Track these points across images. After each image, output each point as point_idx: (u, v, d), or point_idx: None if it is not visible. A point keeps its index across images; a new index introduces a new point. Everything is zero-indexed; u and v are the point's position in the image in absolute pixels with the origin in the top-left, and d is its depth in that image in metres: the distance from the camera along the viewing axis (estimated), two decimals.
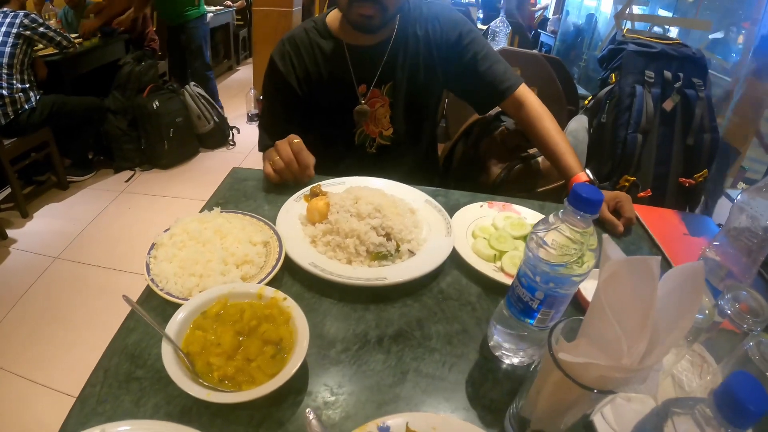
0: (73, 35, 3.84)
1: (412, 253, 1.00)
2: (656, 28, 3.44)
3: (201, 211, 1.08)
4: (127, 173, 3.90)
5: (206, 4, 4.65)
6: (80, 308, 2.54)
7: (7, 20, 3.09)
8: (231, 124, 4.56)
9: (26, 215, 3.28)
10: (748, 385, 0.43)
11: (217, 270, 0.89)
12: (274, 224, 1.04)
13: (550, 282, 0.67)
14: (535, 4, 6.01)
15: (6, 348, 2.28)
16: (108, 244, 3.07)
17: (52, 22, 3.99)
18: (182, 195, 3.67)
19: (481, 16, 5.60)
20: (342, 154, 1.51)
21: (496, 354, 0.81)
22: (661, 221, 1.27)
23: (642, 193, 1.87)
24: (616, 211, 1.21)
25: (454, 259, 1.01)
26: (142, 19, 4.55)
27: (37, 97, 3.25)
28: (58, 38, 3.41)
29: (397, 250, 0.99)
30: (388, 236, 0.99)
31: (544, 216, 1.12)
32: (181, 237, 0.96)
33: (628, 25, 3.33)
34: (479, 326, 0.87)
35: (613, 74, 1.99)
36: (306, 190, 1.17)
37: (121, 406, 0.69)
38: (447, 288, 0.96)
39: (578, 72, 4.66)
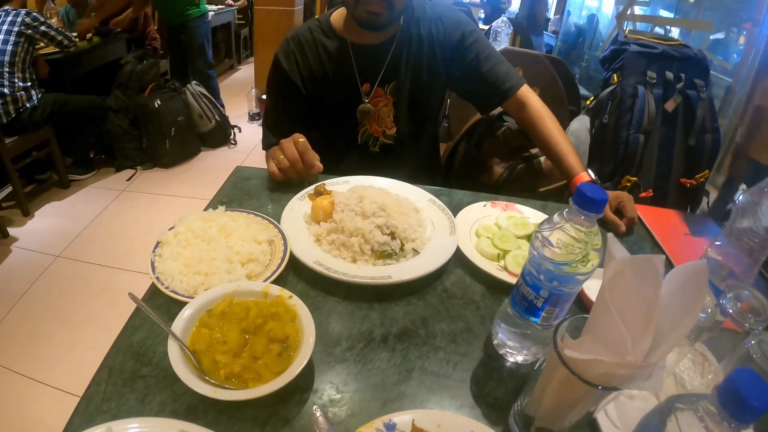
0: (73, 34, 3.84)
1: (416, 252, 1.01)
2: (658, 29, 3.45)
3: (205, 210, 1.08)
4: (129, 172, 3.90)
5: (207, 2, 4.66)
6: (81, 307, 2.55)
7: (9, 18, 3.09)
8: (232, 123, 4.56)
9: (27, 214, 3.28)
10: (751, 381, 0.43)
11: (223, 268, 0.89)
12: (279, 223, 1.05)
13: (554, 280, 0.67)
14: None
15: (7, 346, 2.28)
16: (109, 243, 3.08)
17: (54, 21, 3.99)
18: (183, 194, 3.67)
19: (482, 15, 5.60)
20: (345, 152, 1.51)
21: (501, 352, 0.81)
22: (662, 221, 1.28)
23: (644, 194, 1.88)
24: (619, 211, 1.21)
25: (458, 258, 1.02)
26: (143, 18, 4.55)
27: (39, 96, 3.25)
28: (59, 37, 3.41)
29: (402, 249, 1.00)
30: (392, 235, 1.00)
31: (546, 215, 1.13)
32: (185, 235, 0.96)
33: (630, 25, 3.33)
34: (483, 325, 0.88)
35: (615, 75, 2.00)
36: (310, 188, 1.18)
37: (126, 404, 0.69)
38: (451, 287, 0.97)
39: (579, 72, 4.67)
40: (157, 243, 0.96)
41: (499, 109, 1.58)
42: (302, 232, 1.04)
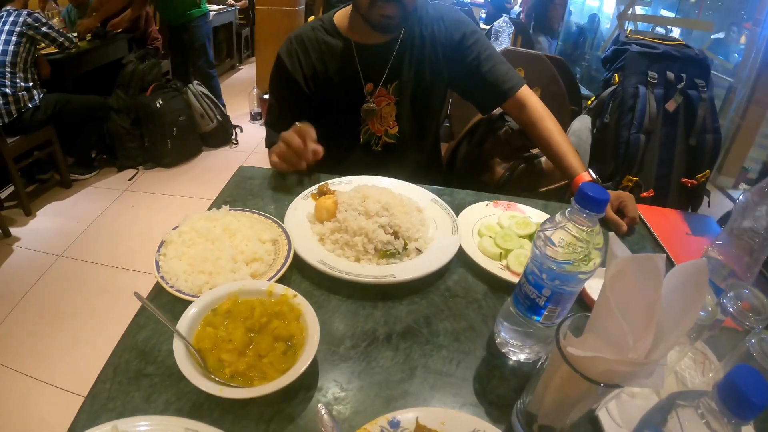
0: (74, 34, 3.84)
1: (419, 251, 1.02)
2: (659, 29, 3.45)
3: (209, 209, 1.08)
4: (130, 172, 3.90)
5: (208, 2, 4.66)
6: (83, 306, 2.55)
7: (11, 19, 3.09)
8: (234, 123, 4.56)
9: (29, 213, 3.28)
10: (751, 378, 0.44)
11: (227, 267, 0.90)
12: (282, 222, 1.05)
13: (557, 279, 0.68)
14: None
15: (9, 346, 2.28)
16: (111, 243, 3.08)
17: (55, 21, 4.00)
18: (185, 193, 3.67)
19: (483, 15, 5.60)
20: (347, 151, 1.52)
21: (503, 350, 0.82)
22: (663, 221, 1.28)
23: (645, 193, 1.88)
24: (620, 211, 1.22)
25: (461, 257, 1.02)
26: (144, 18, 4.56)
27: (41, 96, 3.25)
28: (60, 39, 3.42)
29: (405, 248, 1.01)
30: (395, 234, 1.01)
31: (548, 215, 1.14)
32: (190, 235, 0.97)
33: (631, 25, 3.33)
34: (486, 323, 0.88)
35: (616, 75, 2.00)
36: (314, 188, 1.18)
37: (131, 402, 0.70)
38: (454, 286, 0.97)
39: (581, 72, 4.67)
40: (162, 242, 0.97)
41: (500, 109, 1.58)
42: (306, 232, 1.05)
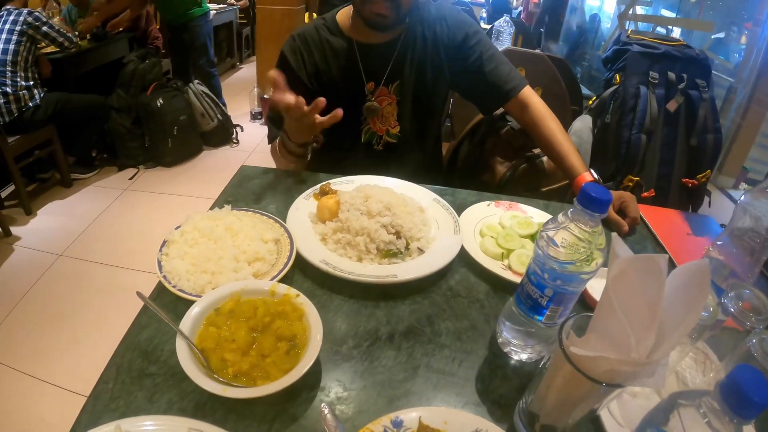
0: (75, 33, 3.85)
1: (421, 251, 1.02)
2: (659, 29, 3.45)
3: (211, 209, 1.09)
4: (131, 171, 3.90)
5: (209, 1, 4.66)
6: (84, 305, 2.55)
7: (11, 18, 3.09)
8: (234, 122, 4.56)
9: (30, 212, 3.28)
10: (753, 377, 0.44)
11: (230, 267, 0.90)
12: (284, 222, 1.05)
13: (559, 279, 0.68)
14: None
15: (9, 345, 2.29)
16: (112, 242, 3.08)
17: (56, 20, 3.99)
18: (186, 193, 3.67)
19: (484, 15, 5.60)
20: (348, 150, 1.52)
21: (505, 350, 0.82)
22: (664, 221, 1.28)
23: (645, 193, 1.89)
24: (621, 211, 1.22)
25: (463, 257, 1.02)
26: (145, 18, 4.56)
27: (41, 95, 3.25)
28: (60, 38, 3.42)
29: (407, 248, 1.01)
30: (398, 234, 1.01)
31: (550, 215, 1.14)
32: (192, 234, 0.97)
33: (632, 25, 3.33)
34: (488, 323, 0.89)
35: (617, 75, 2.00)
36: (316, 188, 1.18)
37: (134, 402, 0.70)
38: (456, 285, 0.98)
39: (581, 72, 4.67)
40: (164, 242, 0.97)
41: (501, 109, 1.58)
42: (308, 232, 1.05)
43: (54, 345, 2.29)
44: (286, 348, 0.74)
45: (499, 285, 0.97)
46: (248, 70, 6.94)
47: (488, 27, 3.79)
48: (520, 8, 5.89)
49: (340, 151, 1.51)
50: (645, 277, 0.54)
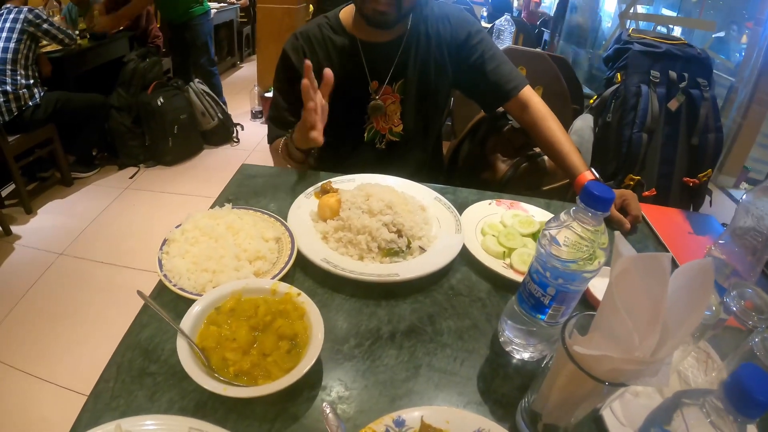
0: (76, 32, 3.85)
1: (423, 249, 1.02)
2: (660, 28, 3.45)
3: (212, 208, 1.08)
4: (131, 170, 3.90)
5: (209, 0, 4.65)
6: (84, 304, 2.55)
7: (11, 16, 3.09)
8: (235, 121, 4.56)
9: (30, 212, 3.28)
10: (757, 376, 0.44)
11: (230, 266, 0.90)
12: (285, 220, 1.05)
13: (561, 278, 0.68)
14: None
15: (10, 344, 2.28)
16: (112, 241, 3.08)
17: (56, 19, 3.99)
18: (186, 192, 3.67)
19: (485, 14, 5.59)
20: (351, 149, 1.52)
21: (507, 349, 0.82)
22: (666, 220, 1.28)
23: (647, 192, 1.88)
24: (623, 210, 1.22)
25: (464, 256, 1.02)
26: (145, 16, 4.55)
27: (42, 94, 3.25)
28: (61, 35, 3.41)
29: (408, 246, 1.01)
30: (399, 233, 1.01)
31: (551, 214, 1.14)
32: (193, 233, 0.97)
33: (633, 24, 3.33)
34: (489, 322, 0.89)
35: (618, 74, 2.00)
36: (317, 186, 1.18)
37: (134, 401, 0.70)
38: (457, 284, 0.97)
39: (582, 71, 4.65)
40: (165, 240, 0.96)
41: (502, 108, 1.58)
42: (309, 230, 1.05)
43: (54, 344, 2.29)
44: (288, 347, 0.73)
45: (500, 284, 0.97)
46: (249, 69, 6.94)
47: (489, 26, 3.78)
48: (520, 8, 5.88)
49: (342, 149, 1.51)
50: (648, 276, 0.54)
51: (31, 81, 3.20)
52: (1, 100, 3.03)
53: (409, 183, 1.24)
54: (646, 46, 1.96)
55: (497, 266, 0.99)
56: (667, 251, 1.14)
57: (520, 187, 1.58)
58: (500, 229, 1.09)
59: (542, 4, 6.02)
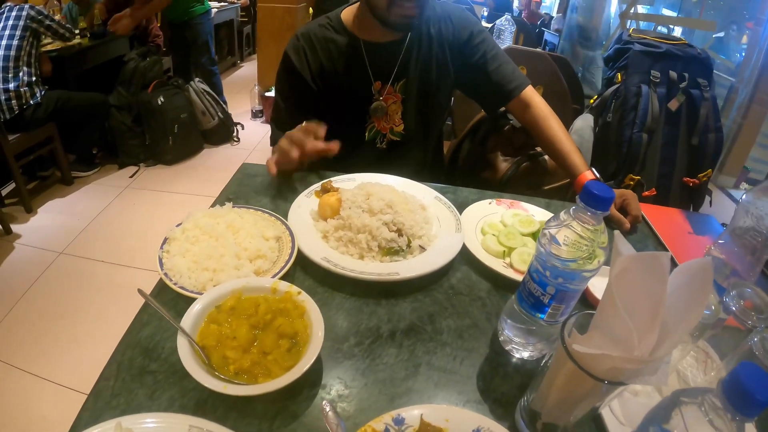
0: (76, 32, 3.85)
1: (423, 248, 1.02)
2: (661, 28, 3.45)
3: (212, 206, 1.08)
4: (132, 169, 3.90)
5: None
6: (85, 303, 2.55)
7: (13, 14, 3.10)
8: (235, 120, 4.56)
9: (30, 210, 3.28)
10: (756, 375, 0.44)
11: (231, 264, 0.90)
12: (286, 219, 1.05)
13: (561, 277, 0.68)
14: None
15: (10, 343, 2.28)
16: (112, 240, 3.08)
17: (57, 18, 4.00)
18: (187, 191, 3.67)
19: (485, 13, 5.59)
20: (352, 149, 1.51)
21: (507, 348, 0.82)
22: (666, 220, 1.28)
23: (647, 192, 1.89)
24: (623, 210, 1.22)
25: (464, 255, 1.02)
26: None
27: (42, 93, 3.25)
28: (62, 30, 3.43)
29: (409, 245, 1.01)
30: (399, 232, 1.01)
31: (551, 213, 1.14)
32: (193, 232, 0.97)
33: (633, 24, 3.33)
34: (489, 321, 0.89)
35: (618, 74, 2.00)
36: (317, 185, 1.18)
37: (135, 399, 0.70)
38: (457, 283, 0.98)
39: (582, 70, 4.65)
40: (165, 239, 0.96)
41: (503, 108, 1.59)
42: (310, 229, 1.05)
43: (55, 343, 2.29)
44: (288, 345, 0.73)
45: (500, 283, 0.97)
46: (249, 68, 6.94)
47: (489, 26, 3.78)
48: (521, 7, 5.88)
49: (343, 149, 1.51)
50: (648, 275, 0.54)
51: (33, 78, 3.20)
52: (3, 97, 3.04)
53: (410, 182, 1.24)
54: (647, 46, 1.96)
55: (497, 265, 0.99)
56: (667, 251, 1.15)
57: (521, 186, 1.58)
58: (500, 229, 1.09)
59: (542, 4, 6.02)
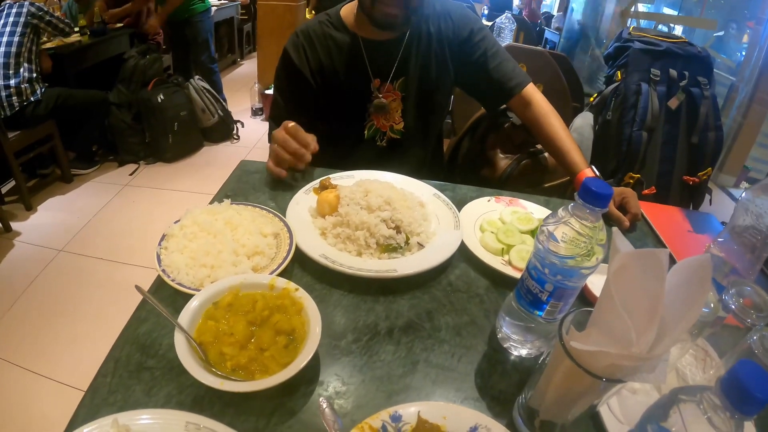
0: (75, 29, 3.85)
1: (421, 245, 1.02)
2: (661, 26, 3.44)
3: (211, 203, 1.08)
4: (132, 166, 3.90)
5: None
6: (84, 301, 2.55)
7: (14, 10, 3.10)
8: (235, 118, 4.56)
9: (30, 208, 3.28)
10: (755, 373, 0.43)
11: (229, 261, 0.90)
12: (284, 216, 1.05)
13: (559, 274, 0.68)
14: None
15: (10, 340, 2.29)
16: (112, 237, 3.08)
17: (57, 15, 4.00)
18: (186, 188, 3.68)
19: (486, 11, 5.59)
20: (352, 147, 1.52)
21: (505, 345, 0.82)
22: (665, 218, 1.28)
23: (646, 191, 1.88)
24: (622, 207, 1.22)
25: (463, 252, 1.02)
26: (146, 13, 4.55)
27: (43, 90, 3.25)
28: (62, 25, 3.44)
29: (407, 242, 1.01)
30: (397, 229, 1.00)
31: (550, 211, 1.14)
32: (191, 228, 0.97)
33: (633, 23, 3.32)
34: (487, 318, 0.88)
35: (618, 72, 2.00)
36: (315, 182, 1.18)
37: (132, 395, 0.70)
38: (456, 280, 0.97)
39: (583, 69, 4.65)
40: (163, 236, 0.96)
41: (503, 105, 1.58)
42: (308, 226, 1.04)
43: (54, 340, 2.29)
44: (285, 342, 0.73)
45: (499, 280, 0.97)
46: (249, 66, 6.93)
47: (489, 24, 3.77)
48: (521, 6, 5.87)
49: (342, 146, 1.51)
50: (646, 272, 0.53)
51: (34, 75, 3.20)
52: (4, 94, 3.04)
53: (408, 179, 1.24)
54: (647, 44, 1.96)
55: (496, 263, 0.99)
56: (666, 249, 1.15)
57: (521, 184, 1.58)
58: (499, 226, 1.09)
59: (543, 2, 6.02)
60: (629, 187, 1.88)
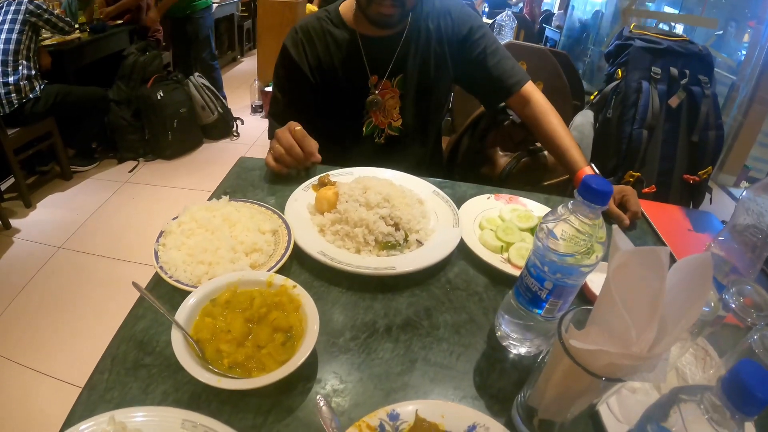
0: (74, 24, 3.85)
1: (420, 243, 1.01)
2: (662, 25, 3.44)
3: (209, 200, 1.08)
4: (131, 164, 3.90)
5: None
6: (83, 298, 2.55)
7: (12, 8, 3.09)
8: (235, 115, 4.56)
9: (29, 205, 3.28)
10: (756, 373, 0.43)
11: (227, 258, 0.89)
12: (283, 213, 1.05)
13: (558, 272, 0.68)
14: None
15: (9, 337, 2.29)
16: (111, 234, 3.08)
17: (56, 12, 3.99)
18: (186, 185, 3.67)
19: (486, 9, 5.58)
20: (350, 143, 1.51)
21: (504, 344, 0.82)
22: (665, 217, 1.28)
23: (647, 189, 1.88)
24: (622, 205, 1.21)
25: (462, 249, 1.02)
26: (146, 10, 4.55)
27: (42, 87, 3.25)
28: (61, 24, 3.44)
29: (406, 240, 1.00)
30: (396, 226, 1.00)
31: (549, 209, 1.13)
32: (189, 225, 0.96)
33: (635, 21, 3.32)
34: (486, 316, 0.88)
35: (619, 70, 1.99)
36: (314, 179, 1.18)
37: (129, 393, 0.70)
38: (454, 278, 0.97)
39: (583, 67, 4.65)
40: (161, 232, 0.96)
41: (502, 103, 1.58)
42: (306, 223, 1.04)
43: (53, 337, 2.29)
44: (282, 339, 0.73)
45: (498, 278, 0.97)
46: (249, 63, 6.93)
47: (490, 22, 3.77)
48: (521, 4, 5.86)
49: (341, 143, 1.50)
50: (646, 270, 0.53)
51: (33, 72, 3.20)
52: (3, 91, 3.04)
53: (407, 176, 1.23)
54: (648, 42, 1.95)
55: (495, 260, 0.98)
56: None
57: (520, 182, 1.57)
58: (498, 224, 1.08)
59: (544, 1, 6.01)
60: (629, 185, 1.87)
